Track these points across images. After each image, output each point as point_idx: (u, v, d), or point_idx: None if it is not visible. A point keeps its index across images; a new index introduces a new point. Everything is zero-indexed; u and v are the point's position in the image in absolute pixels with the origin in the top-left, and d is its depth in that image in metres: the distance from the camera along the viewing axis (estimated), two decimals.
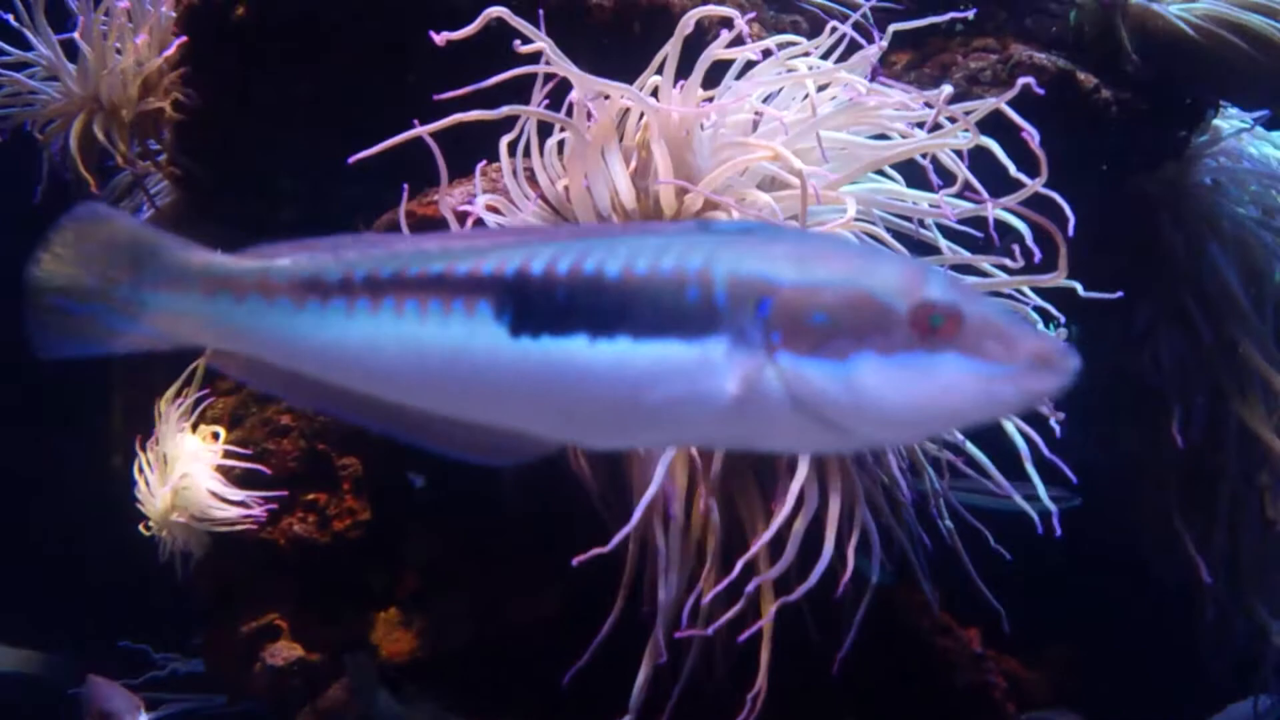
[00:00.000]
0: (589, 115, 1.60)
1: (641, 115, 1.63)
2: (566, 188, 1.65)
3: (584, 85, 1.58)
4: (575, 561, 1.49)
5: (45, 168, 2.22)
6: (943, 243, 1.70)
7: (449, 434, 0.88)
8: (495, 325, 0.84)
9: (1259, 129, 2.38)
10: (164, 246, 0.91)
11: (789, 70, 1.70)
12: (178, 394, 1.87)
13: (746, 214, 1.59)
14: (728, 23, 1.67)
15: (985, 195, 1.61)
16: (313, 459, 1.85)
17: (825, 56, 1.73)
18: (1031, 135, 1.57)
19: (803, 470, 1.55)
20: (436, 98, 1.55)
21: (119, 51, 2.11)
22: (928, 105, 1.65)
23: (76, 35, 2.12)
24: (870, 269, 0.80)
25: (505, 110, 1.57)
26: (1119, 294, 1.70)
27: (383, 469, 1.88)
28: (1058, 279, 1.57)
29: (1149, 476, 2.40)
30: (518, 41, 1.56)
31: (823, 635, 1.67)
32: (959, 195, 1.64)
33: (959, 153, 1.63)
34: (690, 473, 1.60)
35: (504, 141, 1.63)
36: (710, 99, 1.66)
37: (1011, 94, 1.61)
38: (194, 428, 1.85)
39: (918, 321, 0.78)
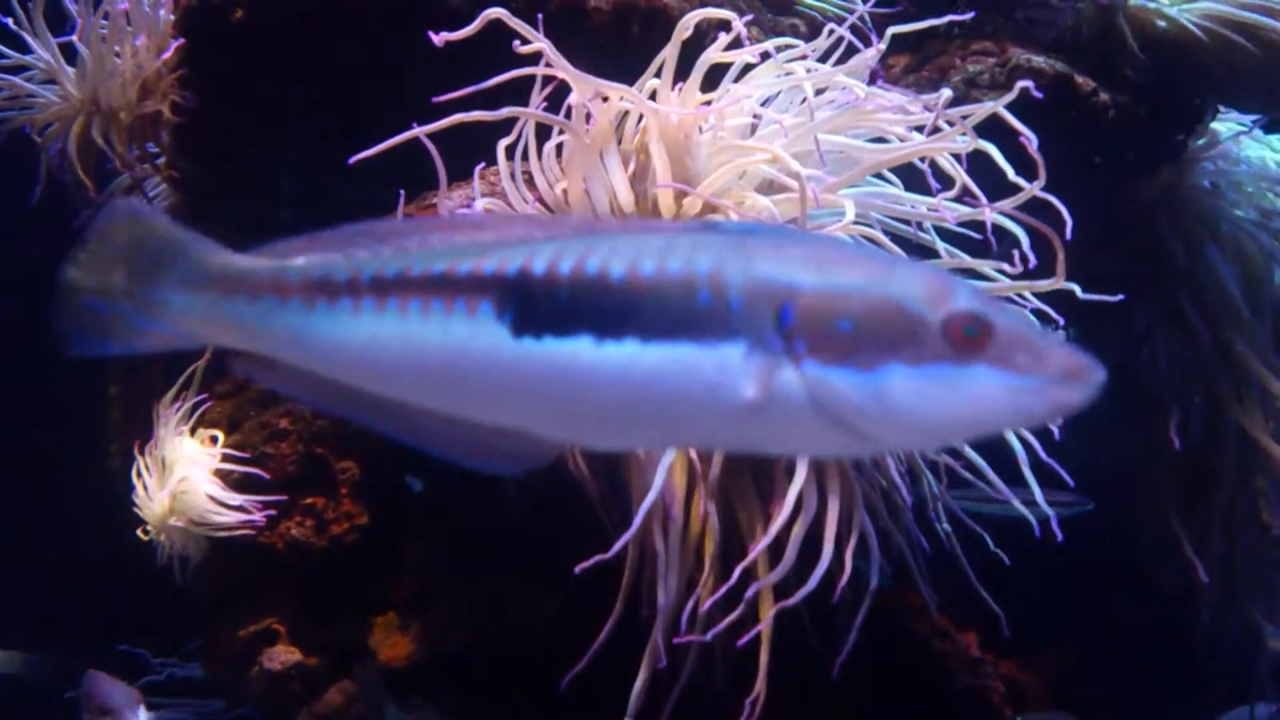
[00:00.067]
0: (587, 118, 1.60)
1: (640, 118, 1.63)
2: (565, 191, 1.65)
3: (583, 86, 1.58)
4: (578, 569, 1.49)
5: (44, 171, 2.22)
6: (941, 246, 1.70)
7: (462, 440, 0.89)
8: (497, 325, 0.84)
9: (1256, 132, 2.39)
10: (190, 246, 0.92)
11: (787, 73, 1.70)
12: (176, 397, 1.86)
13: (745, 217, 1.59)
14: (726, 26, 1.67)
15: (983, 200, 1.61)
16: (311, 463, 1.84)
17: (823, 59, 1.73)
18: (1029, 140, 1.57)
19: (801, 474, 1.55)
20: (435, 100, 1.55)
21: (118, 54, 2.11)
22: (926, 109, 1.65)
23: (75, 38, 2.12)
24: (893, 276, 0.80)
25: (505, 112, 1.57)
26: (1117, 297, 1.70)
27: (381, 473, 1.87)
28: (1056, 283, 1.57)
29: (1147, 479, 2.40)
30: (517, 42, 1.56)
31: (821, 639, 1.67)
32: (957, 199, 1.64)
33: (957, 156, 1.63)
34: (689, 476, 1.60)
35: (501, 145, 1.63)
36: (709, 102, 1.66)
37: (1010, 98, 1.61)
38: (192, 431, 1.85)
39: (950, 333, 0.77)
